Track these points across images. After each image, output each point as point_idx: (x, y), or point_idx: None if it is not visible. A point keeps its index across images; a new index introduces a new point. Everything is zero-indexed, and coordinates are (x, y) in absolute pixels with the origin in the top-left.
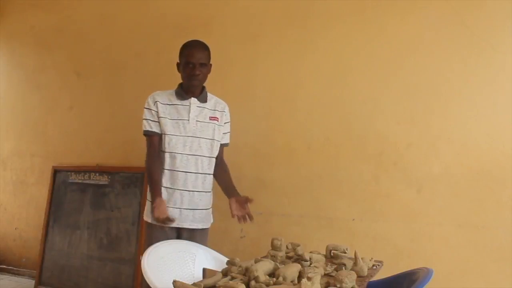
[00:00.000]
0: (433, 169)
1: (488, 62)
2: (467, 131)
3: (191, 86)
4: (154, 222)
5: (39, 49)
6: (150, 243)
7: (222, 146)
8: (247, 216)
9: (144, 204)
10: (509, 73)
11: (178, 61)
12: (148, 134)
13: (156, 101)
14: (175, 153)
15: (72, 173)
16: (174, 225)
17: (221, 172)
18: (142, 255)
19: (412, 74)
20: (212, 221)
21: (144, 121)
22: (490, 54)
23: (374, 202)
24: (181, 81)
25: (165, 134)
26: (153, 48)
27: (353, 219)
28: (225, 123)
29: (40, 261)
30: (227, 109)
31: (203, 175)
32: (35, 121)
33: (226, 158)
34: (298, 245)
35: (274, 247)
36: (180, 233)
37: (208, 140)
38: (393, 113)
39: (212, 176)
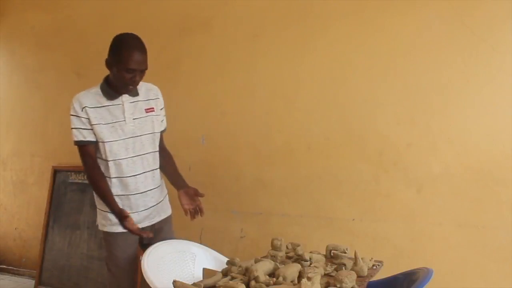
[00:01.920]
0: (433, 169)
1: (488, 62)
2: (467, 131)
3: (125, 91)
4: (113, 230)
5: (39, 49)
6: (111, 252)
7: (161, 133)
8: (198, 211)
9: None
10: (509, 73)
11: (110, 59)
12: (81, 144)
13: (84, 107)
14: (119, 159)
15: (72, 173)
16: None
17: (164, 162)
18: (141, 256)
19: (412, 74)
20: (170, 207)
21: (74, 130)
22: (490, 54)
23: (374, 202)
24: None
25: (103, 142)
26: (153, 48)
27: (353, 219)
28: (160, 109)
29: (40, 261)
30: (160, 94)
31: (151, 172)
32: (35, 121)
33: (226, 158)
34: (298, 245)
35: (274, 247)
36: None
37: (149, 135)
38: (393, 113)
39: (159, 169)
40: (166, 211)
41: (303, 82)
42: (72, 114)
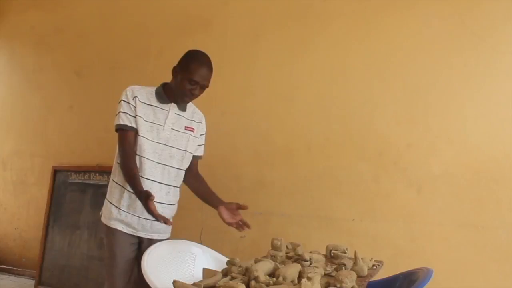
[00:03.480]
0: (433, 169)
1: (488, 62)
2: (467, 131)
3: (181, 101)
4: (112, 225)
5: (39, 49)
6: (112, 251)
7: (196, 158)
8: (242, 223)
9: None
10: (509, 73)
11: (178, 67)
12: (124, 129)
13: (135, 97)
14: (144, 157)
15: (72, 173)
16: (131, 232)
17: (198, 184)
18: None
19: (412, 74)
20: (170, 231)
21: (121, 114)
22: (490, 54)
23: (374, 202)
24: (166, 81)
25: (138, 135)
26: (153, 48)
27: (353, 219)
28: (200, 135)
29: (40, 261)
30: (204, 121)
31: (168, 186)
32: (35, 121)
33: (226, 158)
34: (298, 245)
35: (274, 247)
36: (140, 241)
37: (180, 150)
38: (393, 113)
39: (178, 189)
40: (167, 232)
41: (303, 82)
42: (123, 99)
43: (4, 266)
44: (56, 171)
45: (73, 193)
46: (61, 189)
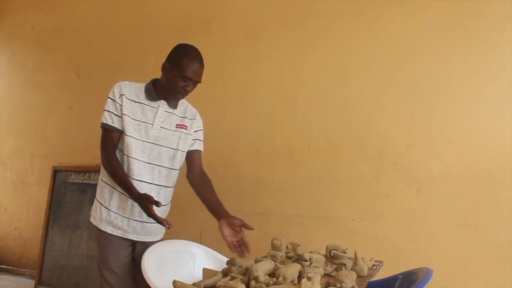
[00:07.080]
0: (433, 169)
1: (488, 62)
2: (467, 131)
3: (173, 98)
4: (102, 229)
5: (39, 49)
6: (102, 254)
7: (195, 153)
8: (243, 247)
9: None
10: (509, 73)
11: (167, 63)
12: (107, 129)
13: (122, 94)
14: (132, 158)
15: (72, 173)
16: (120, 234)
17: (203, 188)
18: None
19: (412, 74)
20: (163, 232)
21: (106, 112)
22: (490, 54)
23: (374, 202)
24: (156, 77)
25: (125, 134)
26: (153, 48)
27: (353, 219)
28: (195, 131)
29: (40, 261)
30: (198, 117)
31: (159, 187)
32: (35, 121)
33: (226, 158)
34: (298, 245)
35: (274, 247)
36: (134, 244)
37: (170, 149)
38: (393, 113)
39: (170, 189)
40: (160, 234)
41: (303, 82)
42: (109, 97)
43: (4, 266)
44: (56, 171)
45: (73, 193)
46: (61, 189)
